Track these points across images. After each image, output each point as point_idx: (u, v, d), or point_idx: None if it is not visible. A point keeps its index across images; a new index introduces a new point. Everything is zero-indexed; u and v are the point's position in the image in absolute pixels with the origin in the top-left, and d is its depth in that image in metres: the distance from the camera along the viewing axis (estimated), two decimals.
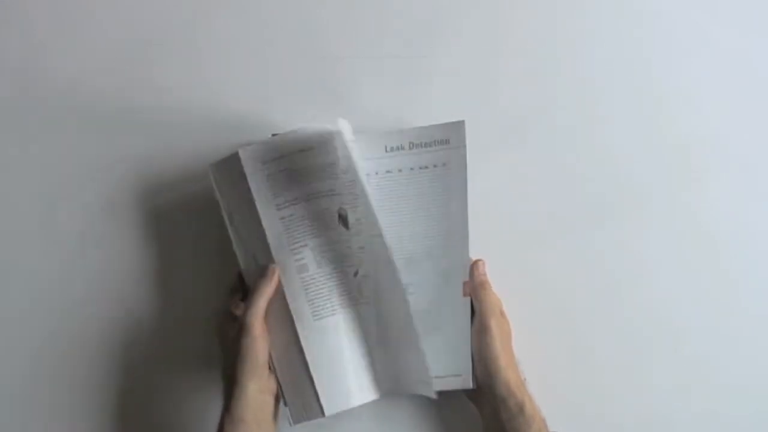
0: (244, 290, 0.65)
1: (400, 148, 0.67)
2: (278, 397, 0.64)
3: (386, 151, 0.67)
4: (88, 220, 0.71)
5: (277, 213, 0.63)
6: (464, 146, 0.65)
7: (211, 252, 0.70)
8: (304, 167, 0.64)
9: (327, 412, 0.63)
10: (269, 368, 0.63)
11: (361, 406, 0.64)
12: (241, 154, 0.63)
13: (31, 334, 0.70)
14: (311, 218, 0.64)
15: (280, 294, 0.63)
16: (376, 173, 0.67)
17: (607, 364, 0.70)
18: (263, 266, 0.64)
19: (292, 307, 0.63)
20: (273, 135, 0.65)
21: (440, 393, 0.66)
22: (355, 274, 0.65)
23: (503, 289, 0.67)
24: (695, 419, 0.70)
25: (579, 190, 0.72)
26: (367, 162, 0.67)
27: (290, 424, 0.63)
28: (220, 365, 0.64)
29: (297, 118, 0.71)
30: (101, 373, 0.70)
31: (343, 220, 0.64)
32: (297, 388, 0.63)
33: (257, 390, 0.61)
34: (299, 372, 0.63)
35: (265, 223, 0.63)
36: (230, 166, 0.64)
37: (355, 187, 0.65)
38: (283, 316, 0.63)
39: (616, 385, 0.70)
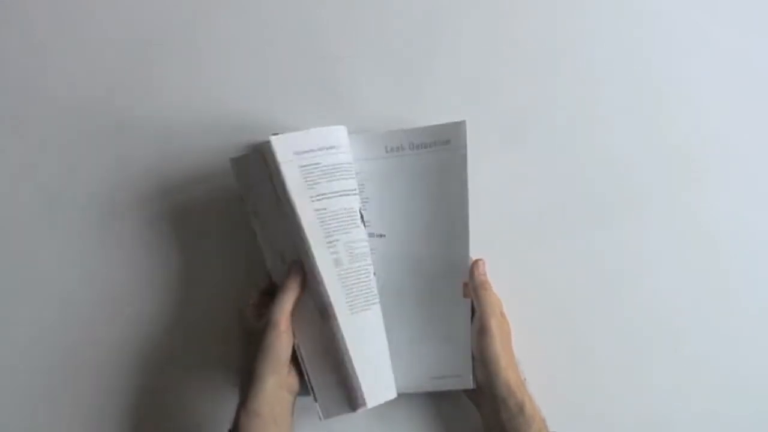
0: (269, 287, 0.65)
1: (401, 148, 0.67)
2: (296, 394, 0.64)
3: (386, 151, 0.67)
4: (90, 222, 0.71)
5: (312, 204, 0.62)
6: (465, 146, 0.65)
7: (218, 252, 0.71)
8: (331, 163, 0.63)
9: (369, 404, 0.62)
10: (291, 365, 0.63)
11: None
12: (274, 142, 0.61)
13: (44, 336, 0.70)
14: (339, 214, 0.63)
15: (308, 290, 0.62)
16: (377, 173, 0.67)
17: (607, 364, 0.70)
18: (292, 262, 0.63)
19: (331, 299, 0.61)
20: (273, 135, 0.65)
21: (440, 393, 0.67)
22: (374, 272, 0.65)
23: (503, 289, 0.67)
24: (695, 419, 0.70)
25: (579, 190, 0.72)
26: (367, 162, 0.67)
27: (320, 419, 0.63)
28: (239, 361, 0.64)
29: (297, 118, 0.71)
30: (116, 373, 0.70)
31: (362, 219, 0.64)
32: (331, 383, 0.63)
33: (276, 385, 0.61)
34: (335, 366, 0.62)
35: (300, 213, 0.61)
36: (256, 158, 0.63)
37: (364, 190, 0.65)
38: (313, 311, 0.62)
39: (616, 385, 0.70)
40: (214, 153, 0.71)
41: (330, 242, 0.62)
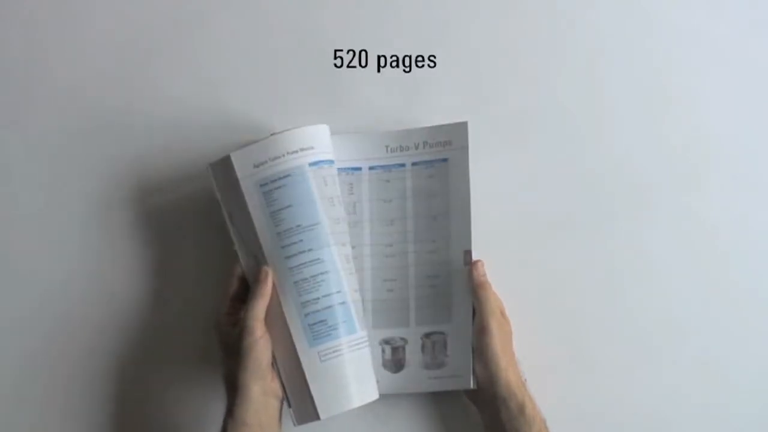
0: (244, 293, 0.64)
1: (402, 148, 0.67)
2: (282, 400, 0.64)
3: (388, 151, 0.67)
4: (87, 220, 0.71)
5: (271, 219, 0.63)
6: (467, 147, 0.65)
7: (210, 252, 0.70)
8: (292, 169, 0.63)
9: (322, 416, 0.62)
10: (273, 370, 0.63)
11: (361, 406, 0.64)
12: (233, 157, 0.63)
13: (28, 335, 0.70)
14: (301, 226, 0.63)
15: (276, 294, 0.63)
16: (377, 174, 0.67)
17: (607, 364, 0.70)
18: (258, 269, 0.63)
19: (285, 310, 0.62)
20: (272, 134, 0.65)
21: (440, 393, 0.67)
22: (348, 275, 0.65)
23: (505, 289, 0.67)
24: (695, 419, 0.70)
25: (581, 191, 0.72)
26: (368, 162, 0.67)
27: (294, 424, 0.63)
28: (221, 368, 0.63)
29: (297, 118, 0.71)
30: (100, 374, 0.70)
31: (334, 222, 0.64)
32: (300, 390, 0.63)
33: (261, 392, 0.61)
34: (301, 373, 0.63)
35: (258, 228, 0.63)
36: (226, 167, 0.63)
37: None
38: (281, 316, 0.63)
39: (616, 385, 0.70)
40: (214, 153, 0.70)
41: (287, 255, 0.62)
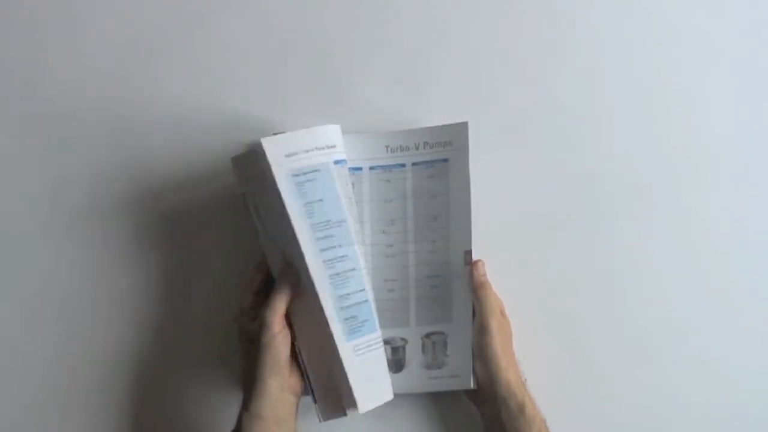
0: (267, 288, 0.64)
1: (402, 149, 0.67)
2: (299, 396, 0.63)
3: (388, 151, 0.67)
4: (90, 222, 0.71)
5: (303, 208, 0.61)
6: (467, 147, 0.65)
7: (218, 251, 0.70)
8: (323, 164, 0.63)
9: (362, 408, 0.62)
10: (292, 366, 0.62)
11: None
12: (265, 144, 0.61)
13: (41, 338, 0.70)
14: (329, 218, 0.62)
15: (310, 291, 0.62)
16: (377, 174, 0.67)
17: (607, 364, 0.70)
18: (286, 264, 0.63)
19: (322, 302, 0.61)
20: (274, 134, 0.65)
21: (440, 393, 0.67)
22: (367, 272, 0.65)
23: (505, 289, 0.67)
24: (695, 419, 0.70)
25: (582, 191, 0.72)
26: (368, 162, 0.67)
27: (319, 420, 0.63)
28: (240, 363, 0.64)
29: (297, 118, 0.71)
30: (119, 374, 0.70)
31: (352, 219, 0.64)
32: (329, 385, 0.62)
33: (278, 387, 0.61)
34: (330, 367, 0.62)
35: (292, 217, 0.61)
36: (254, 157, 0.62)
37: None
38: (314, 312, 0.62)
39: (616, 385, 0.70)
40: (214, 153, 0.71)
41: (322, 249, 0.62)
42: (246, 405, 0.60)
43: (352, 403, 0.61)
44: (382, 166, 0.68)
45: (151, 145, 0.71)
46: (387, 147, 0.67)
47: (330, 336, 0.61)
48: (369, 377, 0.63)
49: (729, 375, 0.70)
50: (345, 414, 0.62)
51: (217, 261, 0.70)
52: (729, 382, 0.70)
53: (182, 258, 0.71)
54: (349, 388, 0.61)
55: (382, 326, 0.65)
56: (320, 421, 0.63)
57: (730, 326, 0.71)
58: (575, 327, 0.70)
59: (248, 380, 0.61)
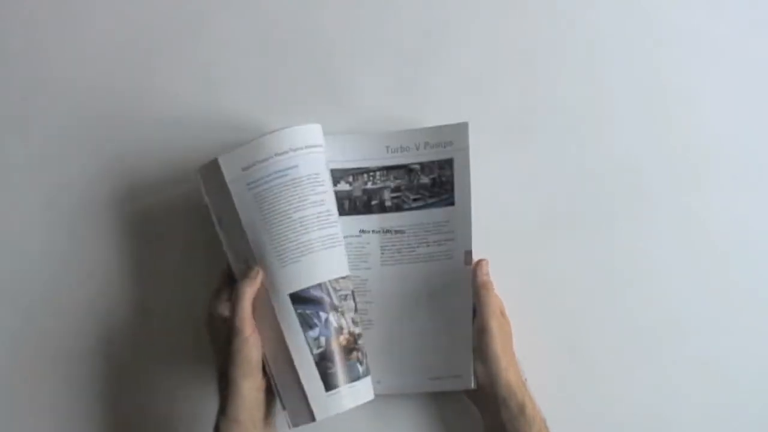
0: (230, 291, 0.64)
1: (403, 149, 0.67)
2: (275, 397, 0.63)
3: (387, 152, 0.67)
4: (82, 221, 0.71)
5: (262, 222, 0.62)
6: (467, 148, 0.65)
7: (203, 252, 0.70)
8: (283, 171, 0.62)
9: (318, 417, 0.62)
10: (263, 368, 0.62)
11: (361, 406, 0.64)
12: (221, 160, 0.62)
13: (14, 336, 0.70)
14: (292, 227, 0.62)
15: (267, 297, 0.62)
16: (377, 174, 0.67)
17: (607, 364, 0.70)
18: (248, 267, 0.63)
19: (276, 312, 0.62)
20: (273, 132, 0.64)
21: (440, 393, 0.67)
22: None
23: (505, 289, 0.67)
24: (695, 419, 0.70)
25: (582, 191, 0.72)
26: (367, 163, 0.67)
27: (289, 427, 0.63)
28: (214, 365, 0.63)
29: (297, 118, 0.71)
30: (91, 375, 0.70)
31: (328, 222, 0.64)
32: (292, 391, 0.62)
33: (252, 389, 0.60)
34: (292, 375, 0.62)
35: (248, 232, 0.62)
36: (214, 170, 0.63)
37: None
38: (273, 318, 0.62)
39: (617, 385, 0.70)
40: (213, 152, 0.70)
41: (280, 257, 0.62)
42: (222, 410, 0.60)
43: (309, 412, 0.61)
44: (381, 167, 0.68)
45: (150, 145, 0.71)
46: (387, 147, 0.67)
47: (284, 342, 0.61)
48: (325, 384, 0.62)
49: (729, 375, 0.70)
50: (313, 420, 0.62)
51: (203, 261, 0.70)
52: (729, 382, 0.70)
53: (169, 257, 0.71)
54: (305, 397, 0.61)
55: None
56: (290, 428, 0.63)
57: (730, 326, 0.71)
58: (575, 327, 0.71)
59: (222, 384, 0.61)
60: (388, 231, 0.68)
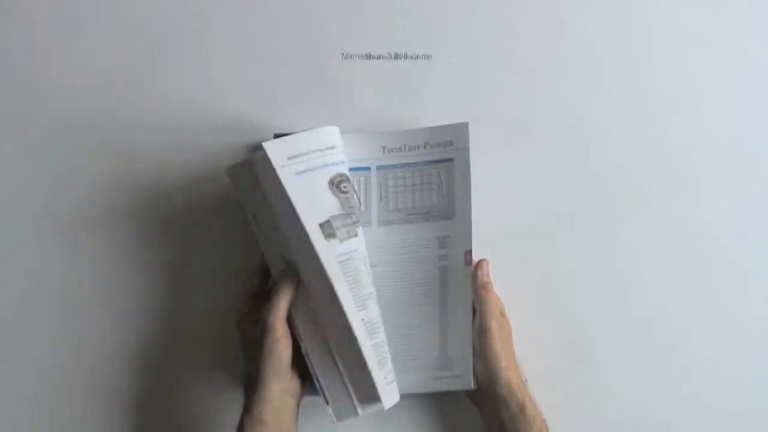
0: (264, 290, 0.64)
1: (403, 149, 0.67)
2: (299, 399, 0.63)
3: (387, 152, 0.67)
4: (89, 224, 0.71)
5: (311, 206, 0.61)
6: (468, 148, 0.65)
7: (218, 253, 0.70)
8: (326, 165, 0.62)
9: (386, 404, 0.61)
10: (293, 370, 0.62)
11: None
12: (267, 149, 0.60)
13: (42, 341, 0.70)
14: (337, 213, 0.62)
15: (312, 292, 0.61)
16: (377, 175, 0.67)
17: (608, 364, 0.70)
18: (287, 264, 0.62)
19: (340, 298, 0.60)
20: (276, 135, 0.65)
21: (440, 393, 0.67)
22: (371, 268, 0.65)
23: (505, 289, 0.67)
24: (696, 419, 0.70)
25: (582, 192, 0.72)
26: (367, 163, 0.67)
27: (333, 422, 0.62)
28: (242, 366, 0.63)
29: (296, 118, 0.71)
30: (121, 376, 0.70)
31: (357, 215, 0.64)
32: (342, 385, 0.62)
33: (280, 391, 0.60)
34: (347, 368, 0.62)
35: (301, 215, 0.60)
36: (248, 165, 0.62)
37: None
38: (319, 312, 0.61)
39: (617, 385, 0.70)
40: (213, 154, 0.70)
41: (331, 241, 0.61)
42: (248, 409, 0.60)
43: (373, 400, 0.61)
44: (381, 167, 0.68)
45: (149, 146, 0.71)
46: (385, 147, 0.67)
47: (350, 334, 0.60)
48: (386, 376, 0.63)
49: (729, 375, 0.70)
50: (357, 414, 0.62)
51: (218, 263, 0.70)
52: (729, 381, 0.70)
53: (183, 260, 0.71)
54: (373, 386, 0.61)
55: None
56: (333, 423, 0.62)
57: (730, 326, 0.71)
58: (575, 327, 0.71)
59: (250, 384, 0.61)
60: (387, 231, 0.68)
